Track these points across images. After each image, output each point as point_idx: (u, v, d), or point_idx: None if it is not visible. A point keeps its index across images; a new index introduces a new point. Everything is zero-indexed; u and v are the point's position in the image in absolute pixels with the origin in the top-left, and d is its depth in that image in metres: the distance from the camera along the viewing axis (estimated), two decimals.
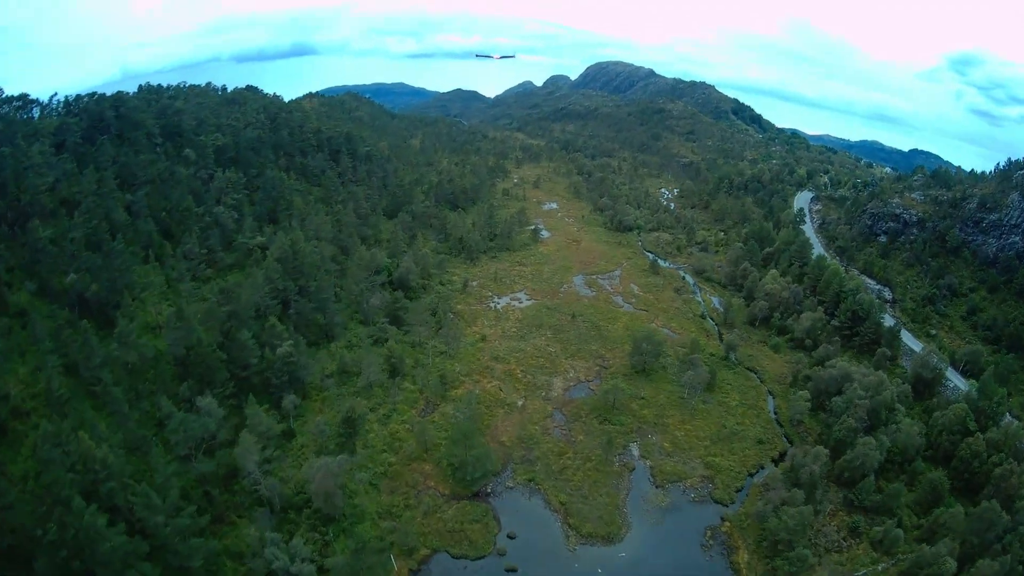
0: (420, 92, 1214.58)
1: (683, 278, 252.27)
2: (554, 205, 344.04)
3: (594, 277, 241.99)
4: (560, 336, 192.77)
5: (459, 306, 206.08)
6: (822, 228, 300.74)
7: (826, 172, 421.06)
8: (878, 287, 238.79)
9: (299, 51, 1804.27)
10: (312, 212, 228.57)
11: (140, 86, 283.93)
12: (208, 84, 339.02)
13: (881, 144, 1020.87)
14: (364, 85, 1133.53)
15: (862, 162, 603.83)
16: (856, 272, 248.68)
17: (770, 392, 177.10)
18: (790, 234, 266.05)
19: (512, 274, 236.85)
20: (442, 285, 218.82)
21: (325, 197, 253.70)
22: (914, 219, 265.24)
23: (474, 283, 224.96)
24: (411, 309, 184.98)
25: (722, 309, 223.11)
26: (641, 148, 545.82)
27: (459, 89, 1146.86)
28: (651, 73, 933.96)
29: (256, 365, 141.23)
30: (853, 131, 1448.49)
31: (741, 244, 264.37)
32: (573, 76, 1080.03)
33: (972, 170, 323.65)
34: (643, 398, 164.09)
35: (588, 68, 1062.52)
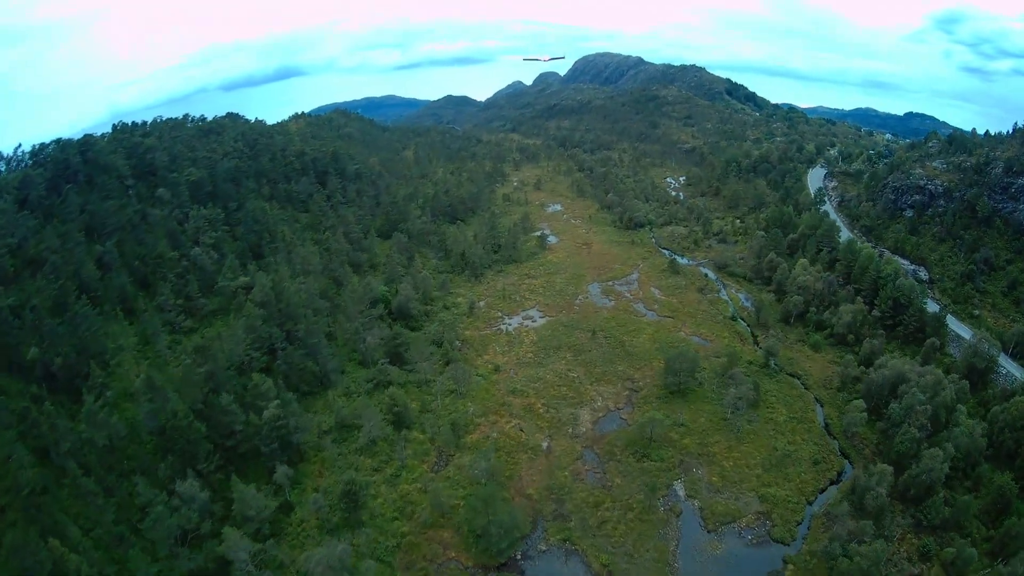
0: (411, 103, 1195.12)
1: (705, 275, 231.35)
2: (558, 206, 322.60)
3: (611, 284, 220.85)
4: (582, 357, 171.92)
5: (467, 332, 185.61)
6: (842, 207, 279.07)
7: (832, 145, 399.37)
8: (912, 267, 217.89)
9: (286, 73, 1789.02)
10: (299, 242, 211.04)
11: (113, 126, 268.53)
12: (185, 116, 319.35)
13: (875, 111, 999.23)
14: (354, 101, 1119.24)
15: (862, 130, 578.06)
16: (887, 253, 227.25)
17: (817, 399, 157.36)
18: (814, 217, 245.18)
19: (521, 289, 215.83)
20: (446, 309, 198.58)
21: (313, 223, 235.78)
22: (940, 190, 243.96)
23: (481, 303, 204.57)
24: (413, 343, 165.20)
25: (753, 308, 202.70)
26: (639, 137, 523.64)
27: (449, 96, 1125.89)
28: (640, 61, 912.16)
29: (242, 432, 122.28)
30: (847, 100, 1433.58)
31: (762, 233, 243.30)
32: (562, 72, 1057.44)
33: (987, 132, 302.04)
34: (683, 425, 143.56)
35: (576, 62, 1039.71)
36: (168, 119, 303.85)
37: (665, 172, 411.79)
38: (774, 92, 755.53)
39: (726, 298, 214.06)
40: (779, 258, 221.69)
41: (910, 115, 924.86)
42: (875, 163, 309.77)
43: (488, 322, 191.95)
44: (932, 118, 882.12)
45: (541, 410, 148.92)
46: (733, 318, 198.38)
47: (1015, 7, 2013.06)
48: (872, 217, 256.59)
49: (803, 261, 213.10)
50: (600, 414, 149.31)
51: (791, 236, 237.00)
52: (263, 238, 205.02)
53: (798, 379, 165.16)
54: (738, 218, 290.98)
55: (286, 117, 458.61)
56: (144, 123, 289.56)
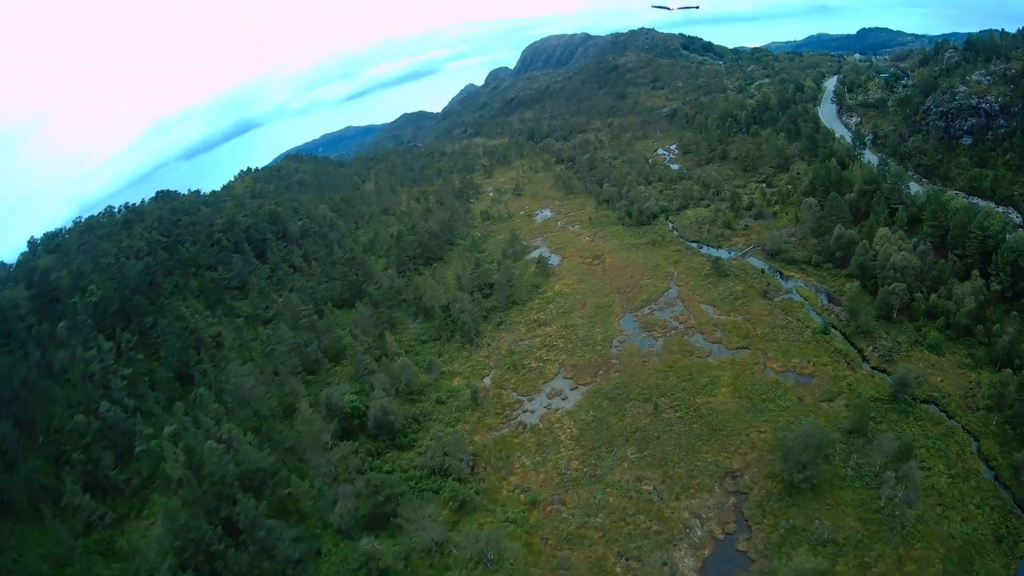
0: (369, 129, 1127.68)
1: (762, 272, 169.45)
2: (548, 212, 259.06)
3: (648, 311, 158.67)
4: (649, 451, 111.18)
5: (476, 437, 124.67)
6: (880, 145, 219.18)
7: (822, 76, 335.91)
8: (1000, 209, 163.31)
9: (242, 128, 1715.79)
10: (239, 346, 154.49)
11: (22, 254, 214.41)
12: (107, 209, 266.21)
13: (828, 34, 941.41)
14: (313, 141, 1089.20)
15: (831, 55, 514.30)
16: (963, 196, 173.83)
17: (968, 430, 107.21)
18: (870, 170, 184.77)
19: (535, 346, 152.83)
20: (441, 404, 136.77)
21: (256, 314, 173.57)
22: (996, 108, 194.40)
23: (487, 381, 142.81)
24: (405, 501, 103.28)
25: (843, 308, 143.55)
26: (611, 112, 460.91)
27: (405, 114, 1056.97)
28: (586, 37, 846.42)
29: None
30: (796, 31, 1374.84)
31: (812, 200, 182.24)
32: (512, 65, 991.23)
33: (1003, 30, 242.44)
34: (827, 543, 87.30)
35: (524, 52, 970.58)
36: (80, 221, 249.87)
37: (653, 143, 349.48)
38: (722, 39, 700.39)
39: (800, 299, 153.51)
40: (849, 231, 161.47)
41: (864, 31, 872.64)
42: (894, 88, 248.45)
43: (502, 413, 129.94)
44: (886, 29, 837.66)
45: (618, 569, 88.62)
46: (824, 330, 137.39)
47: None
48: (930, 154, 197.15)
49: (884, 231, 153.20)
50: (706, 551, 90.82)
51: (848, 196, 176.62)
52: (189, 358, 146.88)
53: (934, 405, 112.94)
54: (764, 182, 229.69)
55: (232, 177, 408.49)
56: (60, 231, 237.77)
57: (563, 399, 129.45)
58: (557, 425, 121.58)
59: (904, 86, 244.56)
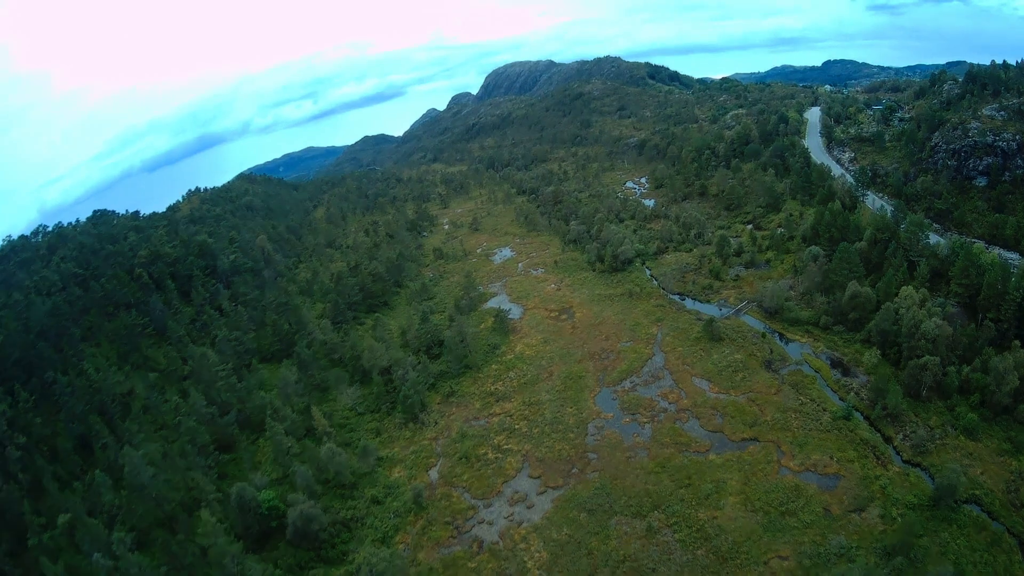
0: (331, 151, 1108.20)
1: (763, 336, 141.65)
2: (508, 251, 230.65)
3: (629, 386, 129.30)
4: None
5: (420, 555, 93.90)
6: (882, 184, 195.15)
7: (801, 108, 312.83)
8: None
9: (206, 144, 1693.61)
10: (146, 416, 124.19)
11: None
12: (39, 228, 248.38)
13: (792, 66, 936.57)
14: (275, 160, 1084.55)
15: (799, 85, 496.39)
16: (985, 246, 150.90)
17: (1013, 533, 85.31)
18: (882, 216, 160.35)
19: (492, 429, 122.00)
20: (378, 504, 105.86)
21: (170, 369, 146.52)
22: (1013, 146, 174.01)
23: (433, 474, 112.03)
24: None
25: (864, 385, 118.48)
26: (576, 141, 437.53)
27: (366, 136, 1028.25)
28: (551, 64, 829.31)
29: None
30: (760, 62, 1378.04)
31: (817, 250, 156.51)
32: (475, 91, 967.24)
33: (1005, 62, 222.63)
34: None
35: (487, 77, 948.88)
36: (9, 241, 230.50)
37: (621, 175, 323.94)
38: (687, 69, 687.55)
39: (811, 371, 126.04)
40: (865, 288, 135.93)
41: (829, 63, 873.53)
42: (890, 121, 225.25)
43: (452, 523, 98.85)
44: (852, 61, 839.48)
45: None
46: (846, 416, 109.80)
47: None
48: (944, 196, 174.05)
49: (908, 291, 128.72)
50: None
51: (858, 245, 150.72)
52: (91, 425, 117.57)
53: (977, 505, 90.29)
54: (751, 223, 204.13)
55: (181, 197, 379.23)
56: None
57: (528, 507, 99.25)
58: (522, 545, 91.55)
59: (901, 119, 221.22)
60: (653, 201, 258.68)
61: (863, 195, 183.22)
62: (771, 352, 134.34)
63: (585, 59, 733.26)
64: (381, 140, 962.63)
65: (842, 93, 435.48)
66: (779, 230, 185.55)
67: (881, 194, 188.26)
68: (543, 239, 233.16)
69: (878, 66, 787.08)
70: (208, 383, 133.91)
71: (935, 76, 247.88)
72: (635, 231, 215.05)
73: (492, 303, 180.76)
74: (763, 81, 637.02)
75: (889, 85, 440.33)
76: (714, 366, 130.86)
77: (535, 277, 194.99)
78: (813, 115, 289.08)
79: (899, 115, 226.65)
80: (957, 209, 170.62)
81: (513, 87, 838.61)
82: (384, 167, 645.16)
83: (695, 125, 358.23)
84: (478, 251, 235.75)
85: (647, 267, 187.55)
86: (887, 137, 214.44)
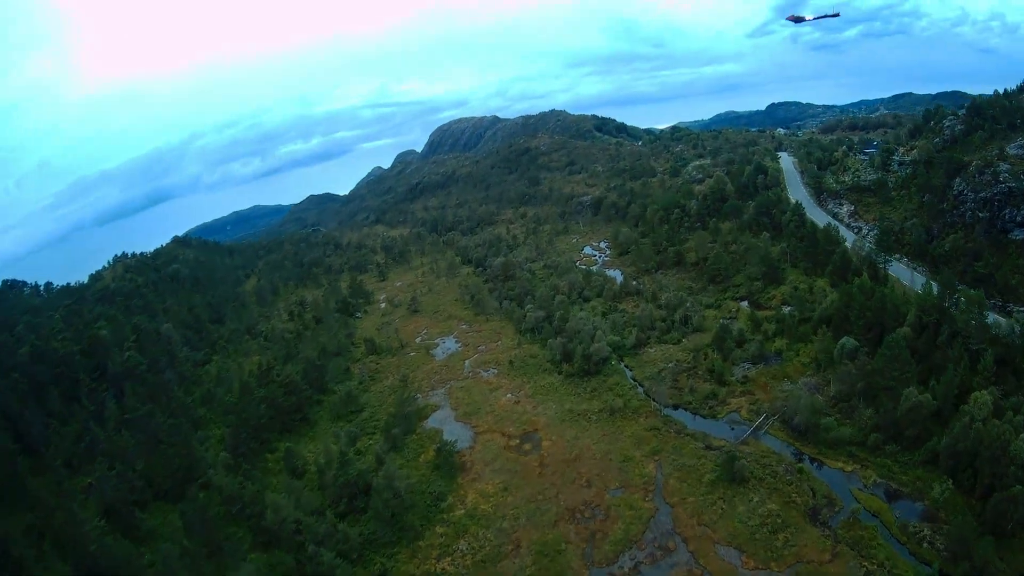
0: (277, 210, 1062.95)
1: (797, 469, 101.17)
2: (452, 342, 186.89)
3: (628, 566, 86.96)
4: None
5: None
6: (898, 245, 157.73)
7: (775, 157, 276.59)
8: None
9: (155, 199, 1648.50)
10: None
11: None
12: None
13: (736, 112, 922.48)
14: (223, 218, 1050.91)
15: (753, 131, 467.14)
16: None
17: None
18: (928, 294, 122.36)
19: None
20: None
21: (32, 523, 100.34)
22: None
23: None
24: None
25: (935, 530, 79.53)
26: (524, 200, 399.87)
27: (311, 196, 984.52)
28: (496, 120, 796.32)
29: None
30: (704, 110, 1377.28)
31: (851, 342, 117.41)
32: (420, 148, 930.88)
33: (1006, 90, 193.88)
34: None
35: (432, 135, 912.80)
36: None
37: (577, 239, 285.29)
38: (630, 120, 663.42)
39: (870, 518, 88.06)
40: (924, 395, 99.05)
41: (774, 106, 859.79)
42: (888, 166, 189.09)
43: None
44: (796, 103, 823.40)
45: None
46: None
47: None
48: (984, 258, 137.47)
49: (983, 398, 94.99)
50: None
51: (901, 331, 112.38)
52: None
53: None
54: (746, 299, 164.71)
55: (108, 262, 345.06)
56: None
57: None
58: None
59: (901, 163, 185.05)
60: (620, 272, 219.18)
61: (887, 263, 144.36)
62: (813, 494, 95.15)
63: (530, 114, 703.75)
64: (326, 199, 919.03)
65: (796, 136, 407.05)
66: (786, 309, 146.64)
67: (899, 255, 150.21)
68: (493, 325, 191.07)
69: (823, 105, 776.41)
70: (71, 544, 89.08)
71: (930, 112, 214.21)
72: (604, 314, 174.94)
73: (434, 420, 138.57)
74: (708, 128, 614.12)
75: (846, 123, 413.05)
76: (743, 524, 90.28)
77: (486, 382, 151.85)
78: (786, 162, 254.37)
79: (897, 158, 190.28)
80: (998, 270, 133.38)
81: (458, 144, 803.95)
82: (328, 227, 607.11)
83: (654, 179, 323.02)
84: (417, 340, 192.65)
85: (627, 366, 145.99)
86: (891, 185, 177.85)
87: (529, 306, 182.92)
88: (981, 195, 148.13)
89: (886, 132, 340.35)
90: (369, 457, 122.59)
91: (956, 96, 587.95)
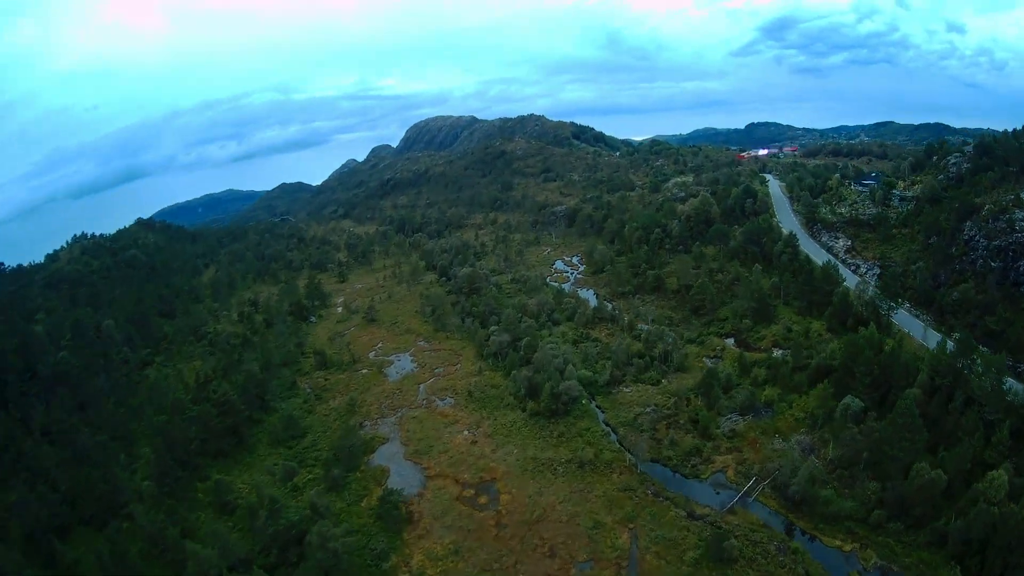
0: (249, 195, 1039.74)
1: (790, 550, 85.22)
2: (407, 361, 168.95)
3: None
4: None
5: None
6: (900, 288, 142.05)
7: (762, 179, 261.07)
8: None
9: (130, 176, 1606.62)
10: None
11: None
12: None
13: (714, 128, 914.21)
14: (194, 200, 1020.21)
15: (730, 149, 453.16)
16: None
17: None
18: (942, 352, 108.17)
19: None
20: None
21: None
22: None
23: None
24: None
25: None
26: (495, 205, 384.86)
27: (283, 184, 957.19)
28: (473, 120, 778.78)
29: None
30: (681, 124, 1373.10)
31: (857, 403, 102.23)
32: (396, 143, 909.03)
33: (1015, 129, 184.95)
34: None
35: (408, 131, 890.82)
36: None
37: (549, 252, 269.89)
38: (608, 129, 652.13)
39: None
40: (935, 471, 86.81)
41: (753, 125, 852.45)
42: (889, 200, 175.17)
43: None
44: (775, 124, 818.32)
45: None
46: None
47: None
48: (998, 313, 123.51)
49: (999, 477, 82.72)
50: None
51: (911, 392, 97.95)
52: None
53: None
54: (733, 337, 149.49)
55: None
56: None
57: None
58: None
59: (902, 198, 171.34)
60: (593, 293, 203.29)
61: (893, 310, 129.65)
62: None
63: (508, 116, 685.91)
64: (298, 188, 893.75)
65: (777, 157, 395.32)
66: (778, 353, 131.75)
67: (902, 300, 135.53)
68: (453, 345, 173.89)
69: (802, 128, 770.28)
70: None
71: (932, 147, 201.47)
72: (576, 343, 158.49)
73: (381, 456, 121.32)
74: (686, 143, 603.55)
75: (830, 148, 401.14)
76: None
77: (441, 413, 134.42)
78: (773, 186, 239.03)
79: (898, 192, 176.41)
80: (1011, 326, 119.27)
81: (434, 142, 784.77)
82: (297, 217, 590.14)
83: (633, 193, 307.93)
84: (371, 356, 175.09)
85: (599, 406, 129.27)
86: (892, 221, 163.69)
87: (494, 327, 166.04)
88: (995, 243, 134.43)
89: (870, 160, 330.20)
90: (306, 498, 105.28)
91: (939, 128, 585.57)
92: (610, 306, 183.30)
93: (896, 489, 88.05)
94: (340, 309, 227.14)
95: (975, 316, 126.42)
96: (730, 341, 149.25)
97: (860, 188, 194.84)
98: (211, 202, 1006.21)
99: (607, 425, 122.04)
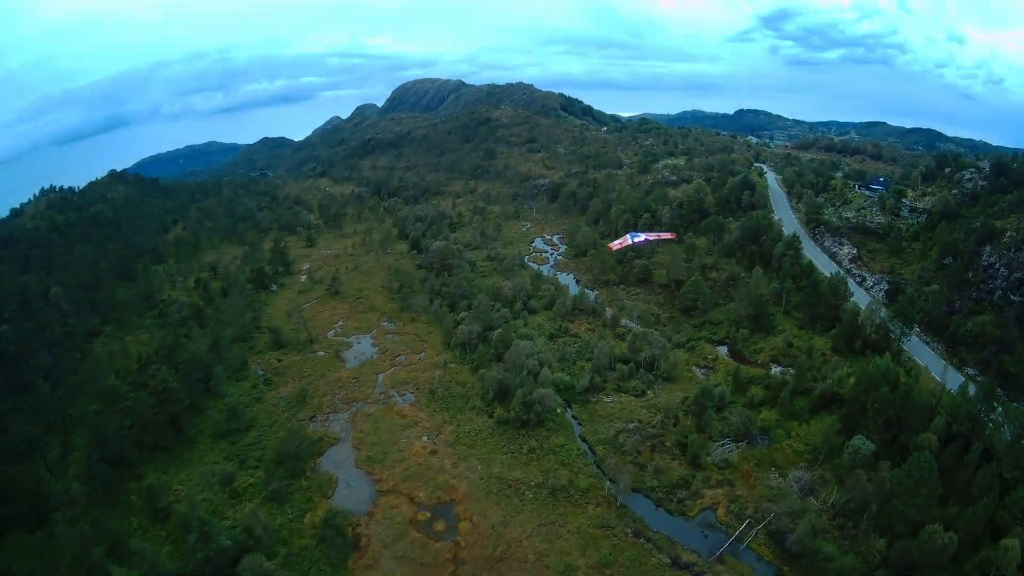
0: (232, 148, 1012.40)
1: None
2: (367, 345, 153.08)
3: None
4: None
5: None
6: (913, 313, 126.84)
7: (760, 170, 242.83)
8: None
9: (113, 124, 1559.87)
10: None
11: None
12: None
13: (703, 111, 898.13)
14: (176, 151, 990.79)
15: (738, 137, 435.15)
16: None
17: None
18: (962, 396, 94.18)
19: None
20: None
21: None
22: None
23: None
24: None
25: None
26: (477, 173, 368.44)
27: (265, 138, 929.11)
28: (460, 84, 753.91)
29: None
30: (670, 104, 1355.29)
31: (868, 447, 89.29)
32: (381, 103, 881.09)
33: None
34: None
35: (394, 91, 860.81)
36: None
37: (528, 228, 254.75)
38: (598, 104, 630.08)
39: None
40: (949, 533, 74.40)
41: (742, 112, 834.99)
42: (899, 210, 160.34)
43: None
44: (765, 112, 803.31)
45: None
46: None
47: None
48: (1018, 353, 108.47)
49: (1013, 547, 70.73)
50: None
51: (924, 439, 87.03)
52: None
53: None
54: (726, 345, 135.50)
55: (32, 196, 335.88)
56: None
57: None
58: None
59: (912, 209, 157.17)
60: (574, 279, 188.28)
61: (905, 337, 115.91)
62: None
63: (496, 83, 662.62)
64: (280, 143, 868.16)
65: (767, 146, 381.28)
66: (776, 370, 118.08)
67: (914, 327, 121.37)
68: (419, 328, 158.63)
69: (793, 119, 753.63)
70: None
71: (943, 159, 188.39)
72: (553, 337, 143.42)
73: (329, 460, 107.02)
74: (673, 123, 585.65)
75: (822, 143, 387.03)
76: None
77: (400, 412, 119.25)
78: (771, 179, 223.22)
79: (907, 202, 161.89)
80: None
81: (419, 104, 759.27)
82: (276, 172, 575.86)
83: (620, 172, 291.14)
84: (329, 335, 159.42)
85: (575, 417, 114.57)
86: (903, 232, 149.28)
87: (464, 313, 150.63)
88: (1017, 275, 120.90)
89: (863, 160, 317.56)
90: (243, 510, 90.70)
91: (931, 134, 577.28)
92: (592, 296, 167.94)
93: (904, 549, 75.41)
94: (304, 278, 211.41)
95: (991, 352, 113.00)
96: (723, 350, 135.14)
97: (868, 193, 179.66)
98: (193, 153, 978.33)
99: (584, 441, 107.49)
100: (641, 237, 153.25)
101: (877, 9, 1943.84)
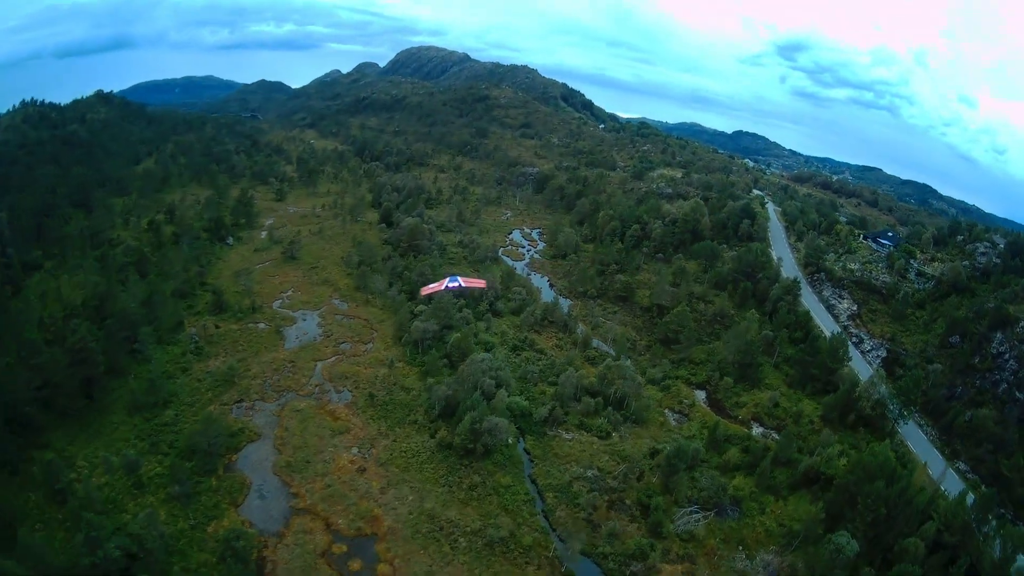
0: (229, 85, 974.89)
1: None
2: (312, 325, 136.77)
3: None
4: None
5: None
6: (914, 396, 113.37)
7: (761, 199, 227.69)
8: None
9: (118, 44, 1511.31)
10: None
11: None
12: None
13: (701, 125, 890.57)
14: (174, 80, 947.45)
15: (735, 158, 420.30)
16: None
17: None
18: (962, 508, 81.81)
19: None
20: None
21: None
22: None
23: None
24: None
25: None
26: (463, 149, 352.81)
27: (263, 80, 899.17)
28: (466, 58, 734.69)
29: None
30: (669, 113, 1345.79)
31: (852, 545, 77.31)
32: (384, 64, 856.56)
33: None
34: None
35: (398, 54, 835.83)
36: None
37: (508, 217, 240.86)
38: (600, 101, 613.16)
39: None
40: None
41: (740, 133, 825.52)
42: (905, 272, 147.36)
43: None
44: (764, 138, 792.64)
45: None
46: None
47: (868, 41, 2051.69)
48: (1016, 462, 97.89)
49: None
50: None
51: (913, 544, 74.79)
52: None
53: None
54: (705, 389, 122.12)
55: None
56: None
57: None
58: None
59: (920, 273, 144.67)
60: (548, 283, 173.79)
61: (902, 420, 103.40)
62: None
63: (501, 63, 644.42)
64: (276, 88, 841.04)
65: (764, 173, 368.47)
66: (758, 431, 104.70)
67: (913, 409, 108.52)
68: (372, 314, 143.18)
69: (789, 149, 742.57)
70: None
71: (957, 225, 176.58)
72: (516, 348, 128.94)
73: (245, 460, 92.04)
74: (670, 132, 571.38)
75: (819, 179, 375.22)
76: None
77: (332, 413, 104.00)
78: (770, 209, 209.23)
79: (915, 264, 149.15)
80: None
81: (421, 70, 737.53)
82: (266, 116, 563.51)
83: (613, 174, 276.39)
84: (275, 305, 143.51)
85: (528, 452, 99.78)
86: (908, 298, 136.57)
87: (422, 307, 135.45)
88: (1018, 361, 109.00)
89: (859, 204, 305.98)
90: (148, 499, 78.09)
91: (925, 189, 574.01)
92: (566, 307, 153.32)
93: None
94: (264, 234, 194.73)
95: (987, 450, 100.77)
96: (701, 395, 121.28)
97: (874, 246, 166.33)
98: (190, 85, 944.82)
99: (534, 484, 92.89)
100: (457, 283, 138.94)
101: (893, 58, 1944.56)
